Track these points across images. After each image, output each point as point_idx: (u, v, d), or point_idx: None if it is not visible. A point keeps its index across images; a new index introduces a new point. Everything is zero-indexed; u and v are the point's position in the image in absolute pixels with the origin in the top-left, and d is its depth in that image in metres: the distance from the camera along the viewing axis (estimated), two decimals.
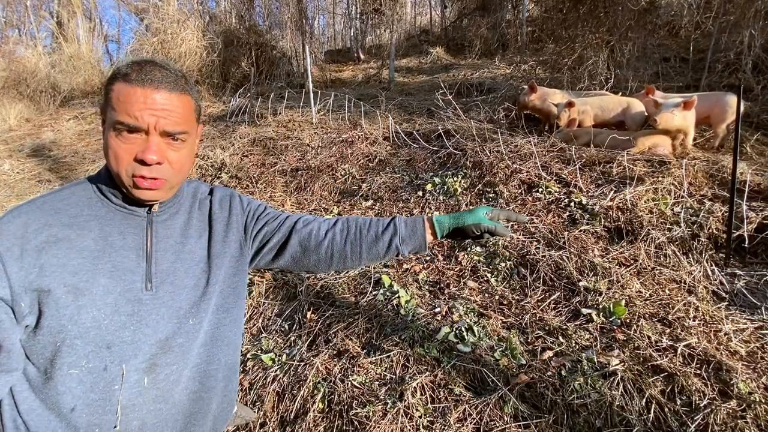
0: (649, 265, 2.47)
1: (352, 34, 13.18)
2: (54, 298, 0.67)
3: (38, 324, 0.68)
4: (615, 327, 2.08)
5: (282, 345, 2.29)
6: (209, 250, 0.84)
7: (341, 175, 4.33)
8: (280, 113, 6.45)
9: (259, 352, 2.24)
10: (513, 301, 2.39)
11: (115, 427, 0.71)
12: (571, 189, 3.19)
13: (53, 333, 0.68)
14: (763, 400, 1.63)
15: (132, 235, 0.75)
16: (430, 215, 0.95)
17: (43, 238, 0.68)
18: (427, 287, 2.60)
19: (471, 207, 3.28)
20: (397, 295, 2.44)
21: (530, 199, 3.21)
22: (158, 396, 0.74)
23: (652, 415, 1.64)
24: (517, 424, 1.66)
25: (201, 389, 0.81)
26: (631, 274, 2.41)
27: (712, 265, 2.44)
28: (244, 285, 0.91)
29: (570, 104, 4.17)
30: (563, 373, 1.85)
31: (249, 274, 2.90)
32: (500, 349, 2.01)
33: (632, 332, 2.02)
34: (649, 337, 1.99)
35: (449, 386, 1.84)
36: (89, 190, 0.76)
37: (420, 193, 3.63)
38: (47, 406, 0.69)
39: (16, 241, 0.67)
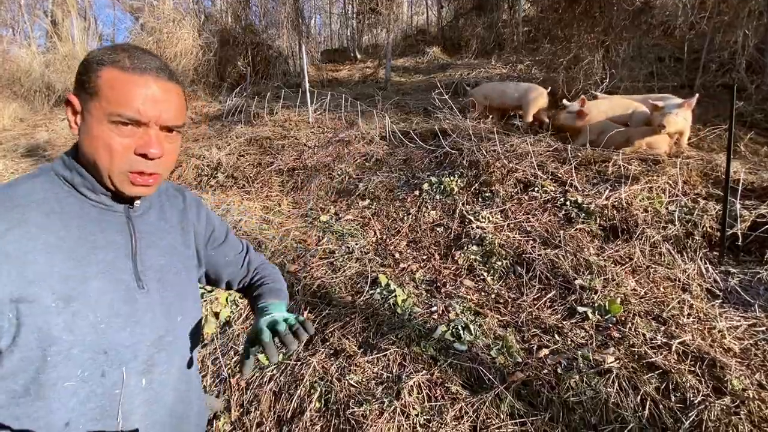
0: (643, 264, 2.49)
1: (348, 33, 13.17)
2: (41, 307, 0.60)
3: (14, 341, 0.59)
4: (610, 325, 2.10)
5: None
6: (183, 248, 0.83)
7: (338, 174, 4.32)
8: (276, 113, 6.44)
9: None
10: (509, 300, 2.40)
11: None
12: (566, 188, 3.20)
13: (41, 347, 0.60)
14: (756, 397, 1.64)
15: (114, 233, 0.70)
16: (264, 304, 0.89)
17: (18, 241, 0.60)
18: (423, 286, 2.60)
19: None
20: (393, 294, 2.45)
21: (526, 198, 3.22)
22: (152, 397, 0.73)
23: (647, 411, 1.65)
24: (513, 421, 1.67)
25: (186, 389, 0.81)
26: (626, 273, 2.43)
27: (706, 263, 2.46)
28: (198, 291, 0.89)
29: (581, 112, 4.02)
30: (559, 370, 1.86)
31: None
32: (496, 348, 2.02)
33: (627, 330, 2.04)
34: (644, 335, 2.00)
35: (446, 384, 1.85)
36: (55, 183, 0.67)
37: (417, 193, 3.64)
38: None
39: None
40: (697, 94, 3.57)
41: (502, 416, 1.69)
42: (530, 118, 4.76)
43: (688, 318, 2.09)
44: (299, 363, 2.07)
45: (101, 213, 0.70)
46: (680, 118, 3.40)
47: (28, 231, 0.61)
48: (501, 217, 3.11)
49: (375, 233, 3.28)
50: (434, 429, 1.67)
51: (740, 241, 2.53)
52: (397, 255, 2.95)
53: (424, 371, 1.91)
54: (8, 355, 0.60)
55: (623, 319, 2.12)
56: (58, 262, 0.62)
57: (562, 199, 3.11)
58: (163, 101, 0.66)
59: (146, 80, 0.65)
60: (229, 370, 2.14)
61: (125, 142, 0.65)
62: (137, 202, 0.75)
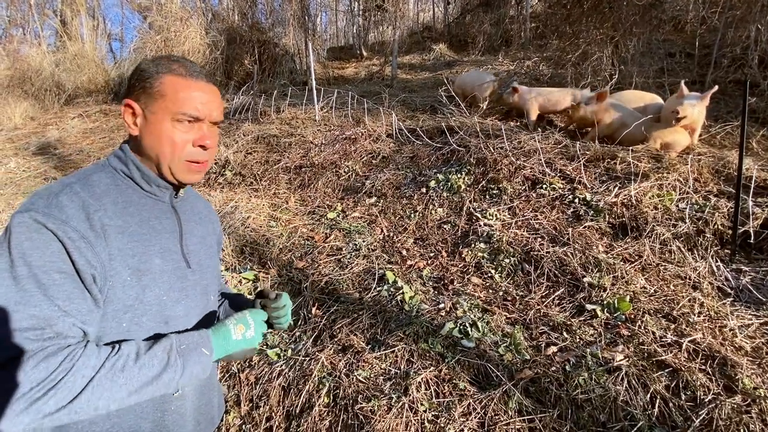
0: (653, 261, 2.46)
1: (354, 31, 13.16)
2: (121, 280, 0.71)
3: (104, 309, 0.70)
4: (619, 323, 2.08)
5: (287, 340, 2.31)
6: (210, 239, 0.95)
7: (344, 172, 4.33)
8: (283, 111, 6.46)
9: (265, 347, 2.26)
10: (517, 297, 2.40)
11: (176, 392, 0.78)
12: (575, 185, 3.18)
13: (118, 315, 0.71)
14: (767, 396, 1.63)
15: (165, 220, 0.82)
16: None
17: (102, 221, 0.70)
18: (431, 283, 2.60)
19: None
20: (401, 291, 2.45)
21: (534, 195, 3.21)
22: None
23: (656, 409, 1.64)
24: (521, 418, 1.67)
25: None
26: (635, 270, 2.41)
27: (717, 261, 2.43)
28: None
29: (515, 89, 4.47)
30: (567, 368, 1.85)
31: (253, 270, 2.92)
32: (504, 345, 2.02)
33: (637, 328, 2.02)
34: (653, 333, 1.99)
35: (454, 381, 1.85)
36: (115, 177, 0.78)
37: (423, 190, 3.63)
38: None
39: (86, 224, 0.67)
40: (716, 86, 3.53)
41: (510, 413, 1.69)
42: (481, 104, 5.49)
43: (698, 316, 2.07)
44: (308, 359, 2.08)
45: (154, 202, 0.81)
46: (696, 109, 3.38)
47: (107, 214, 0.71)
48: (508, 214, 3.10)
49: (382, 230, 3.29)
50: (442, 425, 1.68)
51: (752, 239, 2.50)
52: (404, 252, 2.96)
53: (432, 368, 1.92)
54: (101, 321, 0.70)
55: (632, 317, 2.10)
56: (127, 242, 0.73)
57: (570, 197, 3.09)
58: (212, 101, 0.80)
59: (200, 85, 0.78)
60: (239, 366, 2.16)
61: (185, 136, 0.78)
62: (181, 192, 0.87)
